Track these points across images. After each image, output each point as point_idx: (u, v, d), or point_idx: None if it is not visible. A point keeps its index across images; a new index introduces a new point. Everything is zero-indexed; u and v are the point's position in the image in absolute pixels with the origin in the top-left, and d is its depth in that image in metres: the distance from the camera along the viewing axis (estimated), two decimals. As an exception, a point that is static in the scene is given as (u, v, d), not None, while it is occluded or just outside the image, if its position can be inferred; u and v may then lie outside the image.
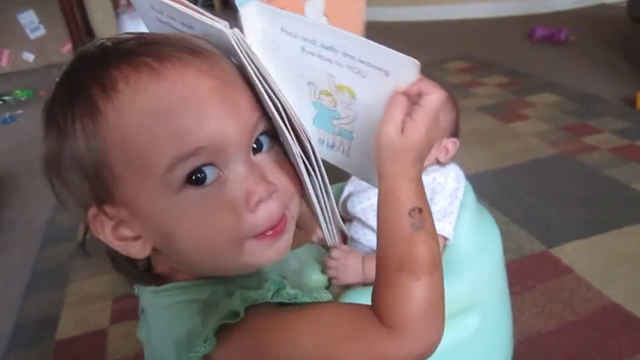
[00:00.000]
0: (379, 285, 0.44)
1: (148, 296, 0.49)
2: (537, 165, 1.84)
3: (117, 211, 0.43)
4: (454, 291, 0.81)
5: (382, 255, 0.45)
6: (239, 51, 0.42)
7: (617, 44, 2.99)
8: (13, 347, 1.30)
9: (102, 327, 1.31)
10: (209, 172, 0.41)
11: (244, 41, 0.43)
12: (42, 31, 3.95)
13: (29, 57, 4.01)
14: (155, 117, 0.39)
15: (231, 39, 0.42)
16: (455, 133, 0.99)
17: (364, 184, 0.98)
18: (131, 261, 0.47)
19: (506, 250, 0.99)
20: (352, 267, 0.85)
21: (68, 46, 3.96)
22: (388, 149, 0.45)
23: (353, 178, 1.02)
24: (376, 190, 0.94)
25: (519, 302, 1.20)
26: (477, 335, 0.87)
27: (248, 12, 0.48)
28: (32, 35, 3.94)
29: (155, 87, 0.40)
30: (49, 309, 1.41)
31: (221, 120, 0.41)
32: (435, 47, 3.41)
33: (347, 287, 0.85)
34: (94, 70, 0.41)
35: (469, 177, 0.98)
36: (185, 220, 0.41)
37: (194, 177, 0.41)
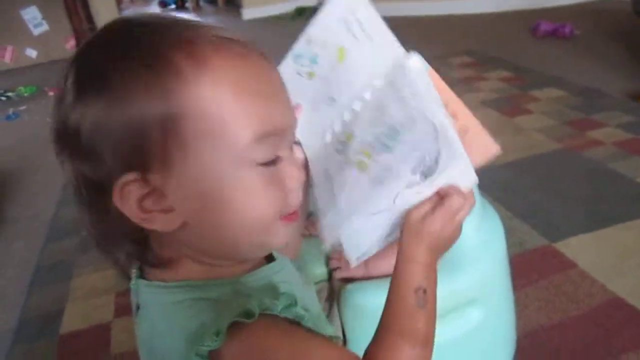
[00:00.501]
0: (377, 343, 0.49)
1: (152, 291, 0.49)
2: (541, 160, 1.84)
3: (162, 179, 0.42)
4: (458, 285, 0.81)
5: (386, 317, 0.50)
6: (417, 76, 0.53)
7: (621, 39, 2.98)
8: (18, 341, 1.30)
9: (106, 321, 1.31)
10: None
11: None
12: (45, 27, 3.96)
13: (32, 53, 4.02)
14: (245, 93, 0.42)
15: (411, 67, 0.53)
16: None
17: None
18: (134, 246, 0.47)
19: (509, 244, 0.98)
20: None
21: (71, 42, 3.97)
22: (409, 230, 0.51)
23: None
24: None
25: (522, 296, 1.20)
26: (480, 328, 0.86)
27: (414, 63, 0.55)
28: (36, 32, 3.95)
29: (244, 67, 0.43)
30: (53, 303, 1.41)
31: (288, 109, 0.47)
32: (440, 42, 3.40)
33: (348, 280, 0.85)
34: (178, 40, 0.42)
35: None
36: (244, 192, 0.44)
37: None
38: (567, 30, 3.14)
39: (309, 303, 0.54)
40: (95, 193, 0.44)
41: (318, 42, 0.63)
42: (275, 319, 0.44)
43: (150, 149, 0.41)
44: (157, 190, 0.43)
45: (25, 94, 3.33)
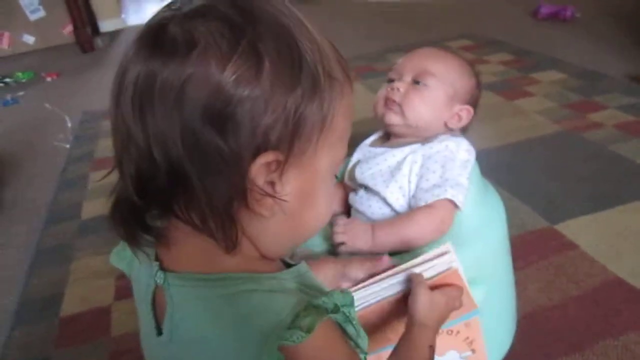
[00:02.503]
0: None
1: (189, 284, 0.46)
2: (542, 142, 1.83)
3: (291, 169, 0.44)
4: (458, 264, 0.81)
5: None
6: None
7: (622, 21, 2.95)
8: (18, 324, 1.30)
9: (107, 303, 1.31)
10: None
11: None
12: (42, 13, 3.91)
13: (29, 39, 3.98)
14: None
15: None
16: (471, 101, 0.96)
17: (373, 151, 0.97)
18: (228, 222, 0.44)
19: (510, 226, 0.98)
20: (362, 231, 0.83)
21: (69, 28, 3.93)
22: (425, 304, 0.64)
23: (361, 145, 1.00)
24: (384, 156, 0.92)
25: (522, 277, 1.20)
26: (480, 308, 0.86)
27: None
28: (32, 17, 3.91)
29: None
30: (53, 286, 1.41)
31: None
32: (440, 25, 3.37)
33: (354, 255, 0.83)
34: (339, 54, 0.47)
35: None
36: (325, 197, 0.49)
37: None
38: (568, 12, 3.12)
39: None
40: (209, 161, 0.40)
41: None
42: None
43: (301, 138, 0.42)
44: (283, 177, 0.43)
45: (23, 80, 3.30)
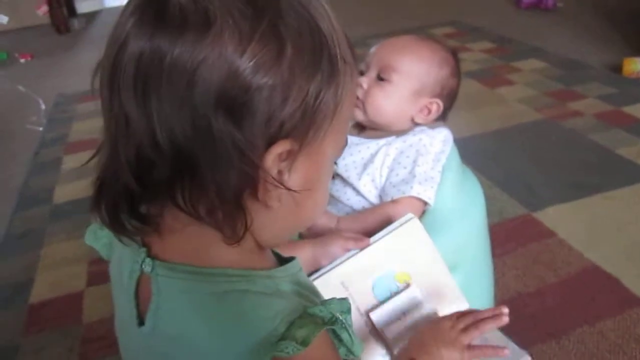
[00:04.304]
0: None
1: (179, 276, 0.43)
2: (522, 130, 1.83)
3: (301, 157, 0.41)
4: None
5: None
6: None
7: (604, 11, 2.97)
8: (-15, 310, 1.27)
9: (79, 289, 1.28)
10: None
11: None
12: (16, -9, 3.81)
13: (3, 19, 3.87)
14: None
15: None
16: (442, 92, 0.92)
17: (348, 139, 0.95)
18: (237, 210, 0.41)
19: (489, 213, 0.97)
20: (326, 223, 0.83)
21: (44, 8, 3.82)
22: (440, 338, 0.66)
23: None
24: (359, 148, 0.91)
25: (500, 264, 1.19)
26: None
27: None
28: (6, -4, 3.80)
29: None
30: (23, 272, 1.37)
31: None
32: (423, 12, 3.36)
33: None
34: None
35: (454, 141, 0.95)
36: (325, 185, 0.47)
37: None
38: (550, 2, 3.13)
39: None
40: (220, 150, 0.38)
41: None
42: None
43: (315, 126, 0.40)
44: (293, 166, 0.41)
45: (-4, 60, 3.22)
